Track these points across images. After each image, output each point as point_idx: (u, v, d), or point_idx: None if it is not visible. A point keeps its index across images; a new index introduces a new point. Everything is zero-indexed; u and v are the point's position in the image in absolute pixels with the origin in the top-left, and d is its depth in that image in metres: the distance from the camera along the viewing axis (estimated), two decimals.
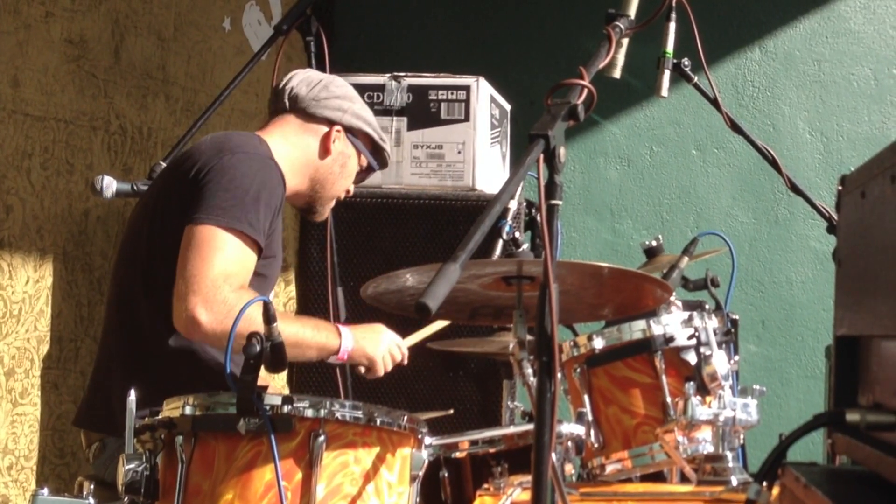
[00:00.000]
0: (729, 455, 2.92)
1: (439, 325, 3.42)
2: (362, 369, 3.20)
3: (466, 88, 4.05)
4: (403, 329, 3.28)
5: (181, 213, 2.95)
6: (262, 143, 3.14)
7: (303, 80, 3.29)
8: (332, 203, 3.37)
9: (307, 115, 3.26)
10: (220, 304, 2.83)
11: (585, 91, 2.15)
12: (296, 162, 3.21)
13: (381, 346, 3.18)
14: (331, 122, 3.26)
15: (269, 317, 2.44)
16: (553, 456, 1.99)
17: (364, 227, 3.99)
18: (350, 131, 3.29)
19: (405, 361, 3.27)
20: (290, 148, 3.21)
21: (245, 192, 2.93)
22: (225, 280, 2.86)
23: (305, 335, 3.00)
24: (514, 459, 2.73)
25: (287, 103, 3.27)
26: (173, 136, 4.11)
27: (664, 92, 3.67)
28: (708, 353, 3.01)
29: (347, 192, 3.39)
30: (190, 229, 2.91)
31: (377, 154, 3.37)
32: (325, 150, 3.26)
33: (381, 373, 3.19)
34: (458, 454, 2.74)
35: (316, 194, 3.30)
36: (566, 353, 3.12)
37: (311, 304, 4.14)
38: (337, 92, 3.30)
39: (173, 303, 2.90)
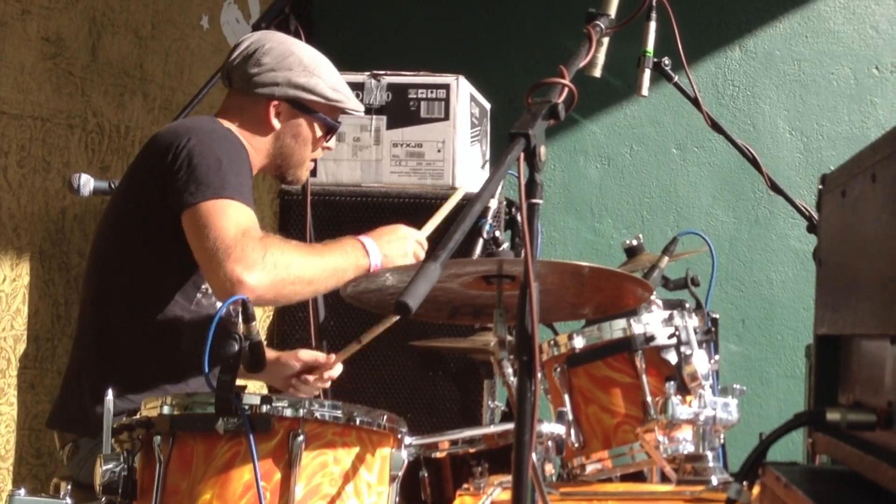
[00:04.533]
0: (709, 455, 2.92)
1: (454, 200, 3.41)
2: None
3: (446, 87, 4.04)
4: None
5: (158, 205, 2.94)
6: (215, 123, 3.12)
7: (241, 52, 3.21)
8: (306, 166, 3.29)
9: (246, 94, 3.19)
10: (253, 257, 2.82)
11: (566, 90, 2.15)
12: (251, 140, 3.17)
13: (408, 247, 3.14)
14: (269, 98, 3.18)
15: (247, 315, 2.43)
16: (533, 456, 1.98)
17: (344, 226, 3.96)
18: (290, 102, 3.19)
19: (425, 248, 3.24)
20: (242, 128, 3.17)
21: (218, 164, 2.92)
22: (244, 234, 2.85)
23: (337, 262, 2.99)
24: (494, 459, 2.72)
25: (229, 81, 3.23)
26: (151, 134, 4.08)
27: (644, 91, 3.67)
28: (688, 352, 3.01)
29: (327, 149, 3.33)
30: (186, 217, 2.90)
31: (333, 111, 3.26)
32: (270, 127, 3.19)
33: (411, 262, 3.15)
34: (438, 454, 2.73)
35: (283, 165, 3.25)
36: (546, 353, 3.12)
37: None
38: (269, 63, 3.17)
39: (210, 284, 2.90)
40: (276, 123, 3.18)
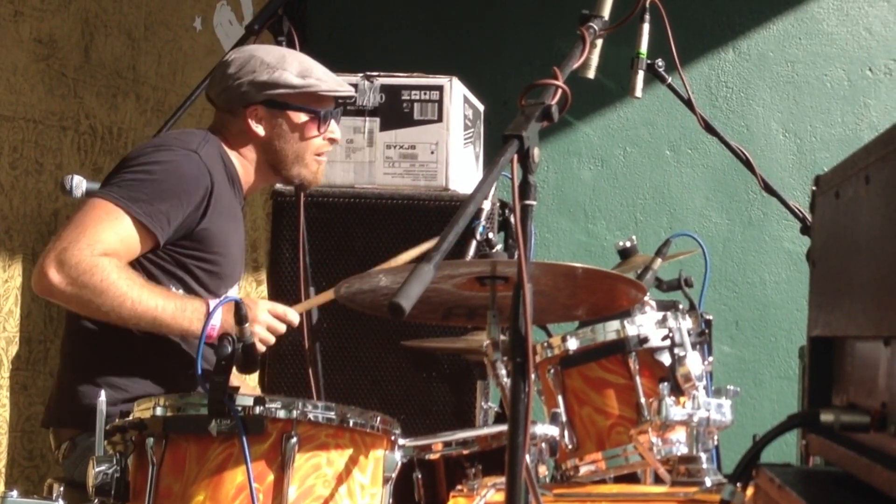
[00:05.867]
0: (703, 456, 2.92)
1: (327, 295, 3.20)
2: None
3: (440, 88, 4.04)
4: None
5: None
6: (204, 140, 3.13)
7: (214, 75, 3.23)
8: (307, 162, 3.24)
9: (225, 112, 3.22)
10: (74, 265, 2.83)
11: (559, 92, 2.14)
12: (244, 154, 3.19)
13: (259, 318, 2.98)
14: (244, 108, 3.18)
15: (240, 317, 2.43)
16: (527, 457, 1.98)
17: (337, 228, 3.97)
18: (264, 104, 3.18)
19: (295, 323, 3.10)
20: (231, 144, 3.19)
21: (157, 183, 2.95)
22: (89, 245, 2.85)
23: (165, 312, 2.90)
24: (487, 461, 2.72)
25: (211, 102, 3.27)
26: (143, 135, 4.09)
27: (638, 93, 3.67)
28: (682, 353, 3.01)
29: (332, 140, 3.28)
30: (86, 202, 2.94)
31: (313, 99, 3.21)
32: (254, 135, 3.19)
33: (259, 346, 2.95)
34: (431, 456, 2.73)
35: (282, 168, 3.23)
36: (540, 354, 3.11)
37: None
38: (234, 73, 3.17)
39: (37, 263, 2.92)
40: (259, 130, 3.18)
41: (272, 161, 3.22)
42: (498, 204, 4.03)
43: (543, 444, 2.73)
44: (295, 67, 3.19)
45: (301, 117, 3.21)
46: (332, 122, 3.27)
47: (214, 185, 3.06)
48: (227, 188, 3.15)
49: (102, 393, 2.38)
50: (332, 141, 3.29)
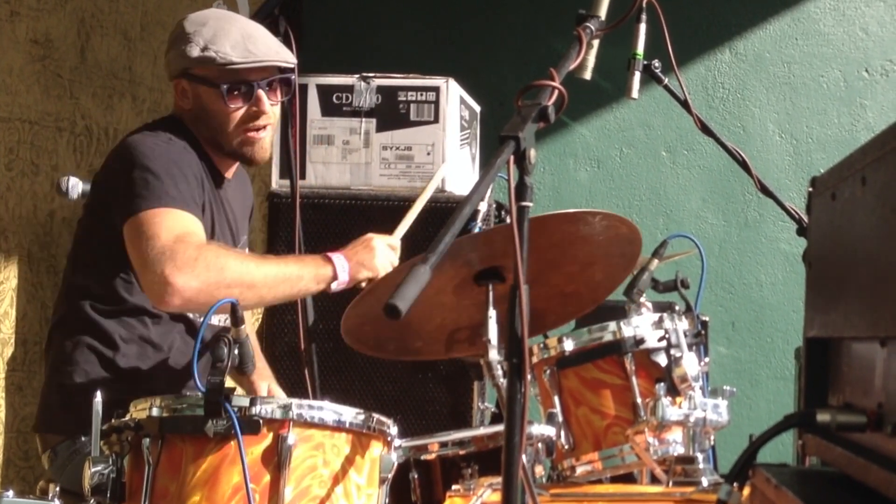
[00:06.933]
0: (699, 456, 2.92)
1: (425, 195, 3.34)
2: (363, 284, 3.05)
3: (436, 90, 4.04)
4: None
5: (112, 224, 2.94)
6: (169, 123, 3.11)
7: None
8: (232, 137, 3.11)
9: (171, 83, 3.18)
10: (187, 261, 2.78)
11: (556, 92, 2.15)
12: (192, 127, 3.13)
13: (379, 256, 3.06)
14: (171, 80, 3.14)
15: (235, 319, 2.43)
16: (523, 457, 1.98)
17: (333, 229, 3.96)
18: (185, 77, 3.10)
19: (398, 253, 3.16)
20: (180, 116, 3.15)
21: (154, 174, 2.91)
22: (177, 239, 2.82)
23: (289, 269, 2.93)
24: (484, 461, 2.72)
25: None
26: None
27: (634, 94, 3.66)
28: (678, 354, 3.01)
29: (258, 113, 3.09)
30: (125, 230, 2.89)
31: (224, 73, 3.06)
32: (184, 107, 3.13)
33: (380, 275, 3.04)
34: (428, 456, 2.73)
35: (214, 140, 3.13)
36: (536, 355, 3.11)
37: (278, 306, 4.12)
38: (169, 45, 3.13)
39: (143, 288, 2.87)
40: (184, 102, 3.12)
41: (207, 133, 3.13)
42: (494, 205, 4.03)
43: (540, 445, 2.73)
44: (199, 40, 3.06)
45: (212, 91, 3.08)
46: (260, 91, 3.08)
47: (197, 159, 3.05)
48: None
49: (98, 394, 2.38)
50: (257, 113, 3.09)
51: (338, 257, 3.00)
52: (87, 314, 3.01)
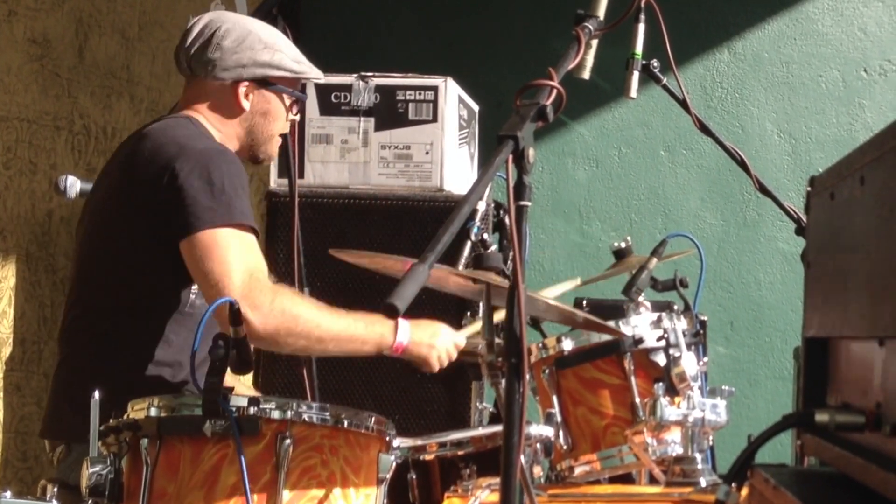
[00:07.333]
0: (698, 456, 2.92)
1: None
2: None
3: (434, 89, 4.04)
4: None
5: (150, 228, 2.91)
6: (196, 126, 3.09)
7: (196, 38, 3.15)
8: (275, 142, 3.23)
9: (210, 81, 3.13)
10: (261, 298, 2.80)
11: (554, 92, 2.14)
12: (222, 126, 3.13)
13: (439, 344, 3.09)
14: (236, 81, 3.13)
15: (234, 318, 2.42)
16: (522, 458, 1.98)
17: (331, 228, 3.96)
18: (257, 81, 3.14)
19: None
20: (214, 116, 3.14)
21: (220, 186, 2.88)
22: (251, 275, 2.82)
23: (357, 330, 2.95)
24: (482, 461, 2.72)
25: (189, 70, 3.16)
26: None
27: (633, 93, 3.66)
28: (677, 354, 3.01)
29: (293, 121, 3.27)
30: (188, 242, 2.84)
31: (296, 83, 3.23)
32: (240, 109, 3.14)
33: (434, 369, 3.11)
34: (426, 456, 2.73)
35: (254, 144, 3.19)
36: (535, 355, 3.11)
37: None
38: (230, 46, 3.12)
39: (216, 316, 2.74)
40: (245, 105, 3.13)
41: (246, 135, 3.16)
42: (493, 205, 4.02)
43: (538, 445, 2.72)
44: (289, 51, 3.18)
45: (286, 100, 3.19)
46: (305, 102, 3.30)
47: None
48: None
49: (96, 394, 2.37)
50: (293, 122, 3.28)
51: (403, 327, 3.01)
52: (125, 325, 2.97)
